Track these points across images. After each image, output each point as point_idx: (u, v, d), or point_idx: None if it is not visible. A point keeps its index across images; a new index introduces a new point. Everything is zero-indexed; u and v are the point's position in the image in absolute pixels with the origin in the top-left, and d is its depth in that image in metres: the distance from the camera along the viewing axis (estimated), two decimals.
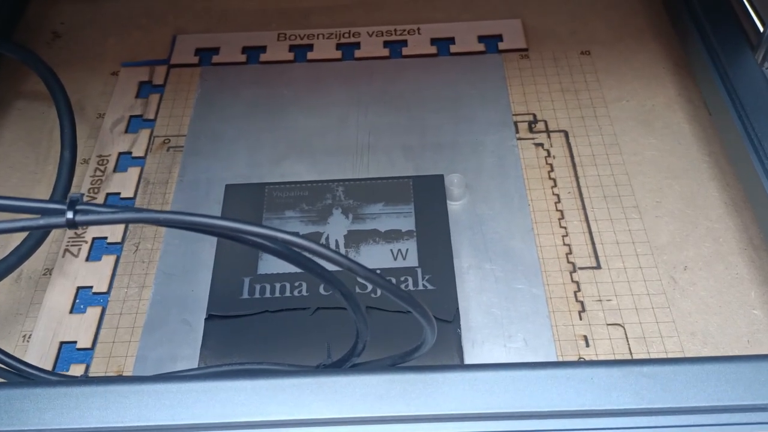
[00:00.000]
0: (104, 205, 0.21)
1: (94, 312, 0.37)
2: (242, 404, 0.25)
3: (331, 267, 0.22)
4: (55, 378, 0.29)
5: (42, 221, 0.21)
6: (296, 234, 0.21)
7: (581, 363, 0.26)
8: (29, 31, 0.54)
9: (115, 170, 0.44)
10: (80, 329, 0.37)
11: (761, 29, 0.43)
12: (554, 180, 0.42)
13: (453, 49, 0.50)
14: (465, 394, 0.25)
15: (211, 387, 0.26)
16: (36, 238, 0.37)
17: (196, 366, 0.34)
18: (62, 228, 0.21)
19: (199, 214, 0.20)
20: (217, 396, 0.26)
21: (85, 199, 0.33)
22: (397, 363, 0.27)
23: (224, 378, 0.26)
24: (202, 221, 0.20)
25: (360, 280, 0.21)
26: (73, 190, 0.41)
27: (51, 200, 0.20)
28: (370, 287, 0.36)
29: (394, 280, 0.36)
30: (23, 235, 0.38)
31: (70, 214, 0.21)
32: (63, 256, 0.40)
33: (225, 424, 0.25)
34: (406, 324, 0.35)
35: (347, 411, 0.25)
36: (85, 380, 0.28)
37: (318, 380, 0.26)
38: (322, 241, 0.39)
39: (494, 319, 0.36)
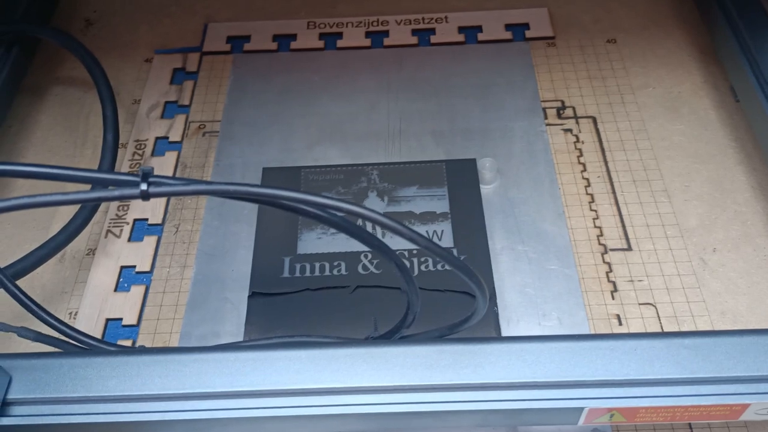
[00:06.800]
0: (174, 177, 0.22)
1: (138, 290, 0.38)
2: (298, 372, 0.26)
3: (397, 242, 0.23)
4: (113, 348, 0.30)
5: (117, 192, 0.22)
6: (365, 207, 0.21)
7: (624, 335, 0.27)
8: (63, 19, 0.55)
9: (152, 154, 0.45)
10: (125, 307, 0.38)
11: None
12: (584, 165, 0.43)
13: (480, 37, 0.51)
14: (512, 364, 0.26)
15: (268, 356, 0.27)
16: (83, 216, 0.38)
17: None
18: (136, 199, 0.22)
19: (269, 186, 0.21)
20: (273, 364, 0.27)
21: None
22: (444, 335, 0.28)
23: (279, 348, 0.27)
24: (272, 193, 0.21)
25: (411, 244, 0.22)
26: None
27: (125, 173, 0.21)
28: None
29: (430, 260, 0.37)
30: (69, 215, 0.39)
31: (144, 186, 0.22)
32: (105, 237, 0.41)
33: (282, 391, 0.26)
34: (444, 303, 0.36)
35: (399, 379, 0.26)
36: (144, 350, 0.29)
37: (369, 350, 0.27)
38: (359, 223, 0.40)
39: (528, 298, 0.37)
